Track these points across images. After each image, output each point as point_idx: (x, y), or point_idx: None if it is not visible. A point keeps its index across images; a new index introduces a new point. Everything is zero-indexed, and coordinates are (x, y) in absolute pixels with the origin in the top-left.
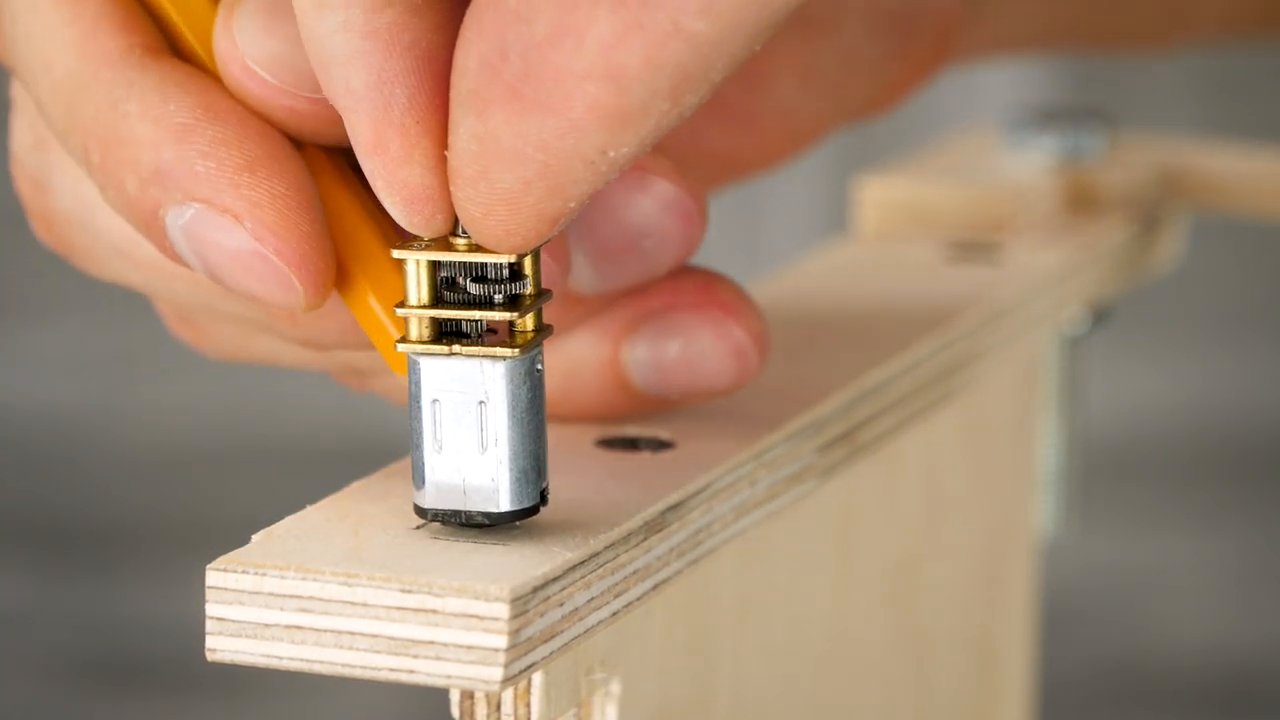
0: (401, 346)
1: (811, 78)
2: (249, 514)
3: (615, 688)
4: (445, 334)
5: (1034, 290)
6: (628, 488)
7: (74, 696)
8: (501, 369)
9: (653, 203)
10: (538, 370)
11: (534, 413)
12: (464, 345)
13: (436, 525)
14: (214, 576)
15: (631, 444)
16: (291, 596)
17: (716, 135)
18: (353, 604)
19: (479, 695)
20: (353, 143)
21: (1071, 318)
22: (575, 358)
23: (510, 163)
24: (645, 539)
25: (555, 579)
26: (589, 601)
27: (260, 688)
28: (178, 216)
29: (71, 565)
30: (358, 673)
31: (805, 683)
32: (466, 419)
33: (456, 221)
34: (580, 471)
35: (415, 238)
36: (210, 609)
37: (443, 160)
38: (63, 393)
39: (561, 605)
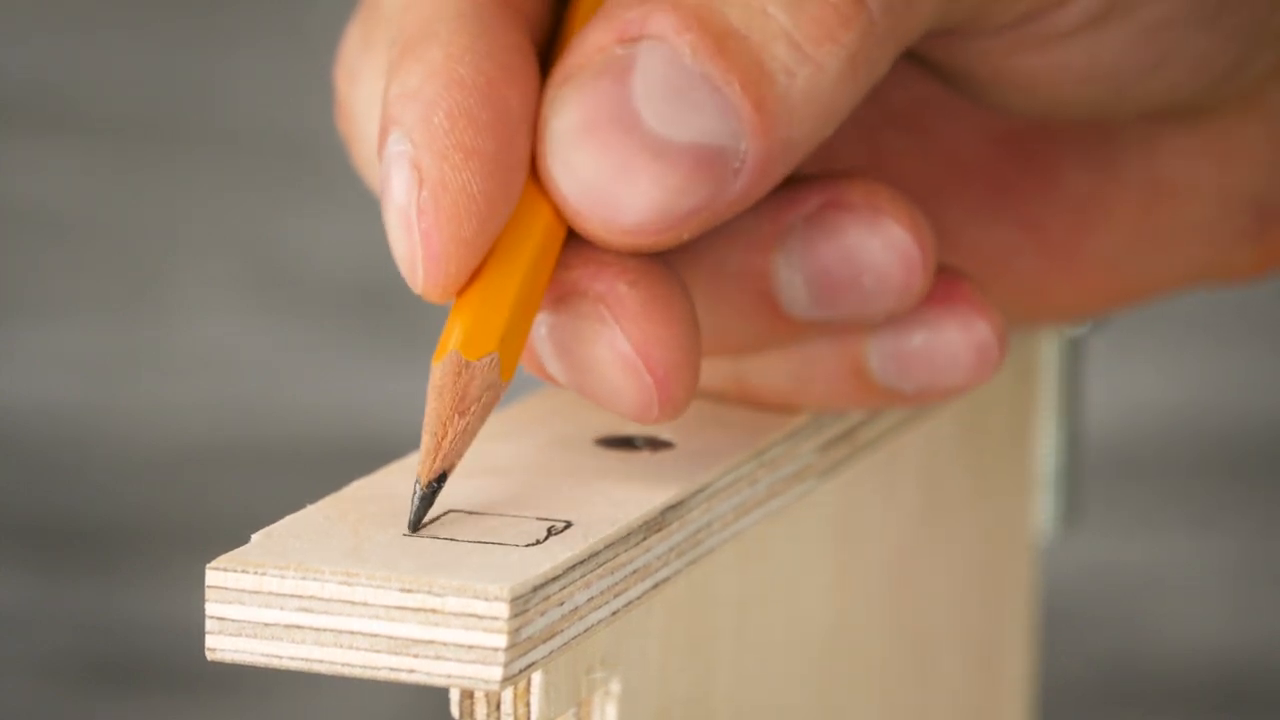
0: None
1: (1146, 237)
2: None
3: (615, 687)
4: None
5: None
6: (627, 487)
7: (74, 696)
8: None
9: (880, 242)
10: None
11: None
12: None
13: (436, 524)
14: (214, 575)
15: (630, 443)
16: (291, 595)
17: (1030, 264)
18: (352, 603)
19: (479, 694)
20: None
21: None
22: (813, 343)
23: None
24: (645, 538)
25: (555, 578)
26: (589, 600)
27: (260, 687)
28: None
29: (71, 565)
30: (357, 672)
31: (805, 682)
32: None
33: None
34: (580, 471)
35: None
36: (210, 608)
37: None
38: (63, 393)
39: (561, 604)
